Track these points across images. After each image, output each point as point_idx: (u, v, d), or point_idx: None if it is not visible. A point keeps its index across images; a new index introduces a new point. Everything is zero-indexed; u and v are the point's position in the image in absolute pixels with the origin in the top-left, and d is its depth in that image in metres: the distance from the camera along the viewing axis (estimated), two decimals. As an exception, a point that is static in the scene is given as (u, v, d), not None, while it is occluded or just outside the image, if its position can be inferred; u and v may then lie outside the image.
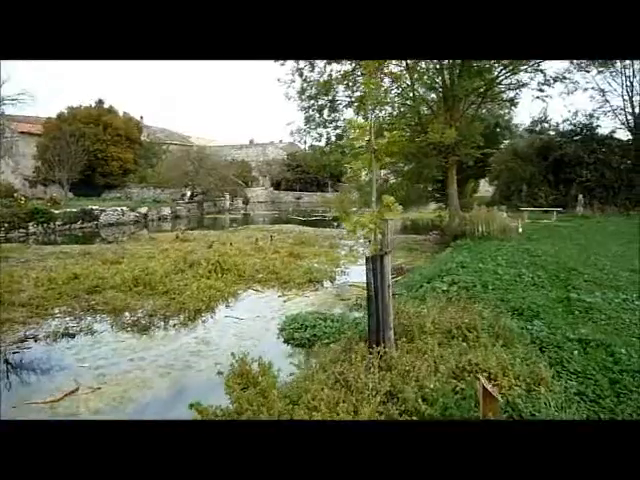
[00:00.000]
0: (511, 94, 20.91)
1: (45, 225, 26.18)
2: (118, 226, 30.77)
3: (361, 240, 22.59)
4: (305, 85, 20.23)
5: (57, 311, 10.98)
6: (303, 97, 20.07)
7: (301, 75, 20.22)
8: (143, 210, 33.30)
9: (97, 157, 42.14)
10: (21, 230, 25.05)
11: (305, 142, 21.54)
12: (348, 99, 19.55)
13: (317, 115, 20.71)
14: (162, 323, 10.34)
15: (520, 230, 20.00)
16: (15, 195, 31.82)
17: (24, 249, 19.92)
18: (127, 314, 10.80)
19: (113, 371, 7.71)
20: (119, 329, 9.92)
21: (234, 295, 12.54)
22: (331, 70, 19.21)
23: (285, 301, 12.05)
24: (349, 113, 20.89)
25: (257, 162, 58.57)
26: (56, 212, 27.28)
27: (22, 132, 44.90)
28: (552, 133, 33.47)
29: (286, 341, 9.06)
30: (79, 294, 12.25)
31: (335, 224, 28.90)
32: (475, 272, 11.36)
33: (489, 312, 7.41)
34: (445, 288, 9.97)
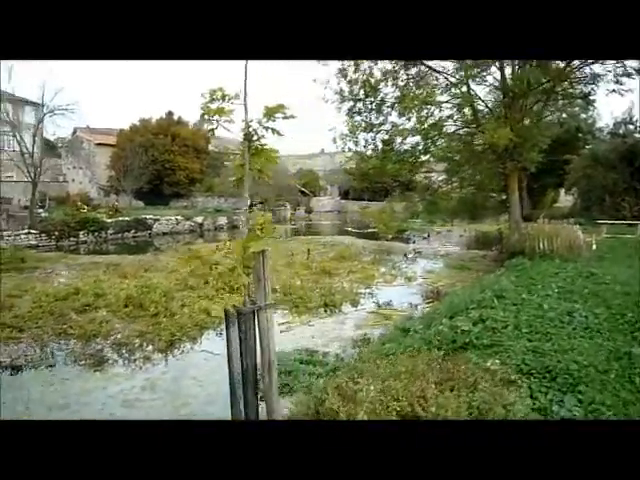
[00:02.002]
0: (585, 89, 17.59)
1: (96, 234, 25.77)
2: (172, 235, 30.07)
3: (411, 256, 20.20)
4: (349, 87, 18.14)
5: (24, 335, 9.57)
6: (346, 98, 17.99)
7: (345, 76, 18.16)
8: (199, 219, 32.50)
9: (165, 167, 42.25)
10: (72, 239, 24.72)
11: (349, 149, 18.89)
12: (393, 100, 17.24)
13: (363, 118, 18.51)
14: (126, 356, 8.64)
15: (594, 247, 16.71)
16: (78, 204, 32.12)
17: (58, 258, 19.24)
18: (95, 342, 9.20)
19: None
20: (73, 362, 8.31)
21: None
22: (371, 68, 16.96)
23: (282, 331, 9.99)
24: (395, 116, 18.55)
25: (325, 171, 56.89)
26: (108, 221, 26.90)
27: (99, 143, 46.05)
28: (638, 136, 29.07)
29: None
30: (66, 313, 10.87)
31: (390, 237, 26.52)
32: (514, 305, 8.74)
33: (489, 382, 4.87)
34: (467, 328, 7.48)
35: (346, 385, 4.34)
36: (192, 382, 7.42)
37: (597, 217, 24.87)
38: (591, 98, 18.54)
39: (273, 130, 3.69)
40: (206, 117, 3.48)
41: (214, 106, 3.48)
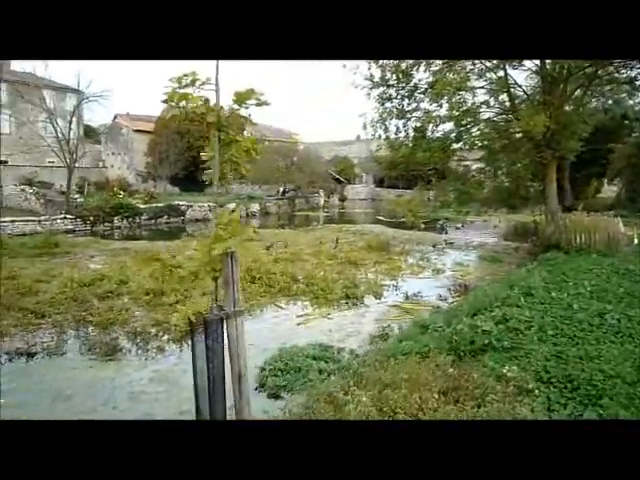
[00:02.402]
0: (632, 73, 16.48)
1: (130, 220, 26.08)
2: (205, 222, 30.18)
3: (441, 247, 19.62)
4: (380, 72, 17.53)
5: (44, 321, 9.62)
6: (377, 84, 17.40)
7: (376, 61, 17.57)
8: (231, 206, 32.44)
9: (200, 154, 42.42)
10: (107, 224, 25.08)
11: (379, 136, 18.33)
12: (425, 86, 16.55)
13: (394, 105, 17.88)
14: (142, 345, 8.57)
15: (635, 241, 15.81)
16: (115, 190, 32.62)
17: (90, 244, 19.50)
18: (112, 330, 9.17)
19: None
20: (88, 351, 8.28)
21: (249, 311, 10.46)
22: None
23: (299, 324, 9.75)
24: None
25: (360, 158, 56.12)
26: (142, 207, 27.17)
27: (137, 130, 46.62)
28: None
29: (256, 388, 6.80)
30: (88, 299, 10.91)
31: (422, 227, 25.87)
32: (541, 304, 8.24)
33: (500, 394, 4.43)
34: (488, 328, 7.05)
35: (337, 394, 4.03)
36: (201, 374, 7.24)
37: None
38: (638, 83, 17.38)
39: (245, 118, 3.37)
40: (171, 103, 3.16)
41: (187, 91, 3.18)
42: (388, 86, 17.71)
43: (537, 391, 4.96)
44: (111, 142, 48.24)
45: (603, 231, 14.47)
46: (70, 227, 23.55)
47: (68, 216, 23.66)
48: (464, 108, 14.79)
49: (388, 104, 18.06)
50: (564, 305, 8.02)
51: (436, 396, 4.03)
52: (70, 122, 24.40)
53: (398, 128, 18.09)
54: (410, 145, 16.80)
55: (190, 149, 41.81)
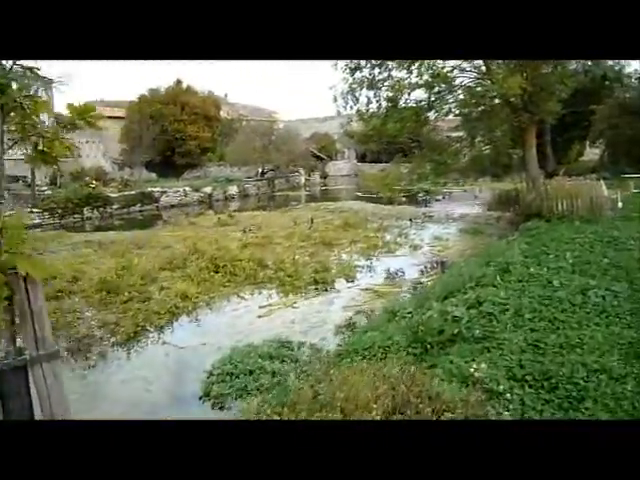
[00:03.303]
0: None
1: (101, 209, 24.97)
2: (181, 207, 29.11)
3: (419, 221, 18.81)
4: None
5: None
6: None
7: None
8: (208, 190, 31.45)
9: (176, 137, 41.08)
10: (76, 215, 23.97)
11: (351, 108, 17.25)
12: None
13: (364, 74, 16.78)
14: (83, 352, 7.70)
15: (620, 205, 15.04)
16: (87, 179, 31.39)
17: (53, 238, 18.44)
18: (55, 335, 8.27)
19: None
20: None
21: (209, 304, 9.63)
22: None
23: (261, 316, 8.92)
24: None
25: (340, 134, 54.77)
26: (113, 196, 26.05)
27: (110, 116, 44.97)
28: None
29: (201, 397, 5.99)
30: (37, 301, 9.99)
31: (403, 200, 25.03)
32: (519, 282, 7.45)
33: (460, 410, 3.61)
34: (459, 313, 6.26)
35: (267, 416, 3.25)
36: (140, 386, 6.42)
37: (625, 171, 22.91)
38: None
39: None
40: None
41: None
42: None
43: (509, 394, 4.17)
44: (83, 130, 46.60)
45: (586, 196, 13.68)
46: (37, 221, 22.43)
47: (34, 210, 22.52)
48: (433, 73, 13.80)
49: (358, 74, 16.98)
50: (543, 282, 7.23)
51: (378, 417, 3.23)
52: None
53: (369, 99, 17.03)
54: (381, 116, 15.81)
55: (164, 133, 40.50)
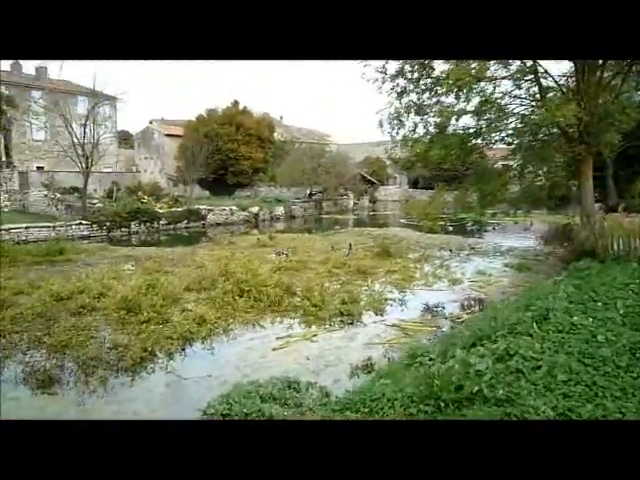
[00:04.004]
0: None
1: (148, 224, 25.31)
2: (226, 226, 29.21)
3: (467, 253, 17.82)
4: (399, 63, 15.83)
5: (-4, 342, 8.58)
6: (389, 77, 15.77)
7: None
8: (254, 209, 31.45)
9: (229, 157, 41.69)
10: (123, 229, 24.37)
11: (397, 133, 16.66)
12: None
13: (411, 98, 16.16)
14: (84, 376, 7.34)
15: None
16: (139, 194, 32.10)
17: (97, 250, 18.67)
18: (64, 355, 8.01)
19: None
20: (22, 380, 7.14)
21: (226, 331, 9.16)
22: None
23: (276, 349, 8.35)
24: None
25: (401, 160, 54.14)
26: (160, 211, 26.38)
27: (168, 134, 46.36)
28: None
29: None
30: (58, 316, 9.87)
31: (450, 229, 24.02)
32: (559, 332, 6.55)
33: None
34: (483, 367, 5.49)
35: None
36: (129, 419, 5.94)
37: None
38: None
39: None
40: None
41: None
42: (407, 79, 16.05)
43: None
44: (143, 147, 48.22)
45: (646, 236, 12.44)
46: (85, 233, 22.95)
47: (84, 222, 23.06)
48: (482, 99, 13.04)
49: (405, 99, 16.40)
50: (586, 335, 6.31)
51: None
52: (84, 125, 23.82)
53: (416, 124, 16.39)
54: (426, 142, 15.13)
55: (219, 152, 41.17)
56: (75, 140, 23.62)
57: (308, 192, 39.15)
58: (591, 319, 6.96)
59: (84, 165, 24.00)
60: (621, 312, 7.22)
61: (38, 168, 39.28)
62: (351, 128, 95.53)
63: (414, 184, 52.69)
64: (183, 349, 8.28)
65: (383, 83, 15.58)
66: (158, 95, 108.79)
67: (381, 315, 10.35)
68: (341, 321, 9.75)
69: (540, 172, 16.88)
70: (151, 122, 51.32)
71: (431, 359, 6.56)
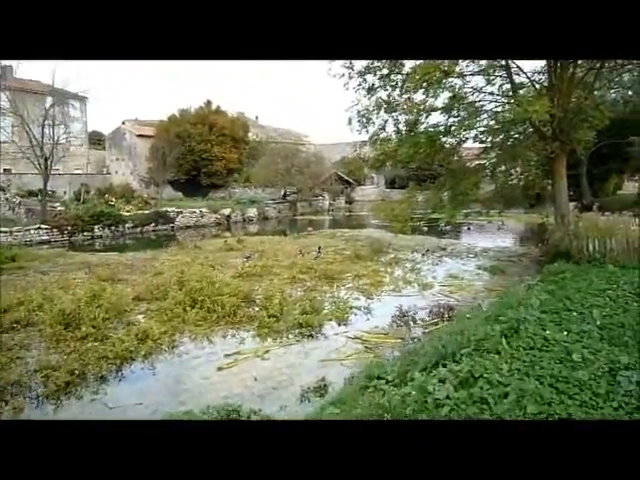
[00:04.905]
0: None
1: (112, 228, 24.15)
2: (197, 228, 28.15)
3: (439, 255, 17.13)
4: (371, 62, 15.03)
5: None
6: (358, 73, 14.99)
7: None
8: (226, 211, 30.45)
9: (202, 158, 40.48)
10: (86, 233, 23.19)
11: (367, 132, 15.88)
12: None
13: (379, 95, 15.38)
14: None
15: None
16: (106, 196, 30.90)
17: (53, 256, 17.52)
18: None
19: None
20: None
21: (170, 348, 8.25)
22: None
23: (221, 368, 7.47)
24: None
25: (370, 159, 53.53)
26: (126, 214, 25.23)
27: (140, 135, 44.97)
28: None
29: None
30: (-11, 332, 8.87)
31: (425, 229, 23.35)
32: (530, 349, 5.81)
33: None
34: (442, 394, 4.71)
35: None
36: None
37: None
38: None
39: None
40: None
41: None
42: (375, 76, 15.27)
43: None
44: (115, 148, 46.78)
45: (621, 236, 11.84)
46: (45, 238, 21.74)
47: (43, 226, 21.83)
48: (451, 94, 12.34)
49: (374, 96, 15.63)
50: (560, 353, 5.56)
51: None
52: (42, 126, 22.55)
53: (385, 122, 15.64)
54: (393, 141, 14.39)
55: (191, 153, 40.00)
56: (34, 141, 22.31)
57: (282, 193, 38.22)
58: (566, 332, 6.23)
59: (43, 166, 22.70)
60: (598, 323, 6.51)
61: (5, 170, 37.69)
62: (329, 128, 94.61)
63: (391, 184, 52.15)
64: (119, 370, 7.35)
65: (350, 79, 14.78)
66: (132, 95, 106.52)
67: (344, 325, 9.55)
68: (300, 333, 8.92)
69: (512, 171, 16.28)
70: (124, 122, 49.84)
71: (389, 382, 5.78)
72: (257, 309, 10.20)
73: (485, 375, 5.06)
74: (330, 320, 9.66)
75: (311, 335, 8.89)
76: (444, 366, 5.63)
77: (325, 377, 6.88)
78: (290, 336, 8.80)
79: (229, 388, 6.67)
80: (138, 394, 6.59)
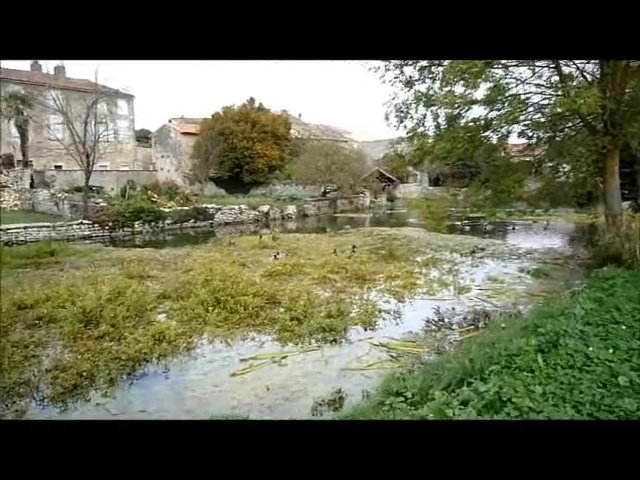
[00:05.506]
0: None
1: (152, 224, 24.33)
2: (235, 225, 28.08)
3: (480, 256, 16.25)
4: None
5: None
6: (398, 65, 14.30)
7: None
8: (264, 208, 30.24)
9: (244, 155, 40.61)
10: (126, 229, 23.44)
11: (405, 127, 15.16)
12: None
13: (419, 89, 14.65)
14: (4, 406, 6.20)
15: None
16: (149, 192, 31.26)
17: (91, 252, 17.68)
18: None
19: None
20: None
21: (187, 350, 7.92)
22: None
23: (234, 374, 7.06)
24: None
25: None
26: (166, 210, 25.38)
27: (185, 133, 45.54)
28: None
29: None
30: (12, 328, 8.81)
31: (468, 229, 22.35)
32: (568, 369, 5.09)
33: None
34: (463, 417, 4.10)
35: None
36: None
37: None
38: None
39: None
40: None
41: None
42: (414, 67, 14.55)
43: None
44: (160, 145, 47.58)
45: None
46: (87, 233, 22.09)
47: (85, 221, 22.19)
48: (492, 85, 11.50)
49: (412, 89, 14.89)
50: (605, 374, 4.84)
51: None
52: (85, 123, 22.91)
53: (424, 116, 14.88)
54: (432, 135, 13.64)
55: (234, 150, 40.16)
56: (77, 139, 22.72)
57: (322, 190, 37.78)
58: (612, 350, 5.46)
59: (85, 163, 23.10)
60: (650, 338, 5.70)
61: (56, 167, 38.91)
62: (372, 125, 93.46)
63: (435, 182, 50.82)
64: (130, 373, 7.06)
65: (387, 71, 14.11)
66: (179, 94, 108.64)
67: (371, 330, 8.98)
68: (322, 338, 8.41)
69: (560, 168, 15.19)
70: (170, 120, 50.68)
71: (406, 399, 5.21)
72: (282, 310, 9.76)
73: (514, 399, 4.40)
74: (356, 324, 9.11)
75: (334, 340, 8.37)
76: (469, 384, 5.00)
77: (342, 388, 6.36)
78: (312, 341, 8.31)
79: (239, 397, 6.24)
80: (144, 400, 6.25)
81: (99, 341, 8.11)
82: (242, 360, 7.51)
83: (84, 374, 6.76)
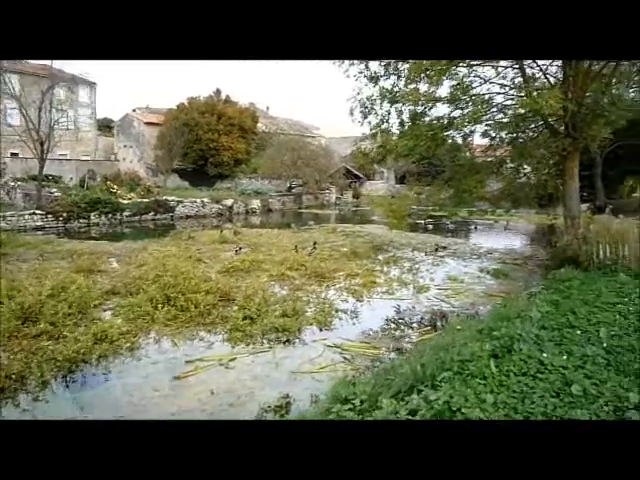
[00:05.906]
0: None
1: (110, 216, 23.46)
2: (198, 219, 27.41)
3: (441, 255, 16.17)
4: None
5: None
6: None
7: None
8: (228, 202, 29.66)
9: (209, 147, 39.70)
10: (82, 220, 22.52)
11: (369, 123, 14.91)
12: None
13: (383, 85, 14.42)
14: None
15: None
16: (108, 183, 30.27)
17: (39, 244, 16.83)
18: None
19: None
20: None
21: (130, 351, 7.45)
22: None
23: (178, 377, 6.65)
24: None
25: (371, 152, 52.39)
26: (124, 202, 24.54)
27: (148, 122, 44.32)
28: None
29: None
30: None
31: (430, 227, 22.34)
32: (521, 376, 4.90)
33: None
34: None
35: None
36: None
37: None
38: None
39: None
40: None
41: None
42: (379, 64, 14.30)
43: None
44: (123, 134, 46.21)
45: (635, 242, 10.82)
46: (40, 224, 21.12)
47: (38, 212, 21.20)
48: (455, 83, 11.36)
49: (377, 85, 14.66)
50: (558, 383, 4.66)
51: None
52: (40, 109, 21.83)
53: (389, 113, 14.68)
54: (394, 133, 13.44)
55: (199, 142, 39.25)
56: (30, 125, 21.64)
57: (288, 185, 37.36)
58: (566, 356, 5.31)
59: (39, 151, 22.04)
60: (604, 346, 5.58)
61: (12, 154, 37.25)
62: (340, 121, 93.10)
63: (402, 179, 51.03)
64: (65, 376, 6.57)
65: (350, 65, 13.82)
66: (144, 83, 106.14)
67: (327, 330, 8.69)
68: (276, 339, 8.07)
69: (521, 169, 15.25)
70: (134, 110, 49.30)
71: (354, 407, 4.92)
72: (235, 309, 9.38)
73: (464, 409, 4.16)
74: (311, 324, 8.81)
75: (288, 341, 8.05)
76: (419, 392, 4.75)
77: (291, 393, 6.04)
78: (265, 342, 7.97)
79: (180, 402, 5.85)
80: (77, 406, 5.79)
81: (36, 340, 7.57)
82: (188, 362, 7.10)
83: (13, 376, 6.24)
